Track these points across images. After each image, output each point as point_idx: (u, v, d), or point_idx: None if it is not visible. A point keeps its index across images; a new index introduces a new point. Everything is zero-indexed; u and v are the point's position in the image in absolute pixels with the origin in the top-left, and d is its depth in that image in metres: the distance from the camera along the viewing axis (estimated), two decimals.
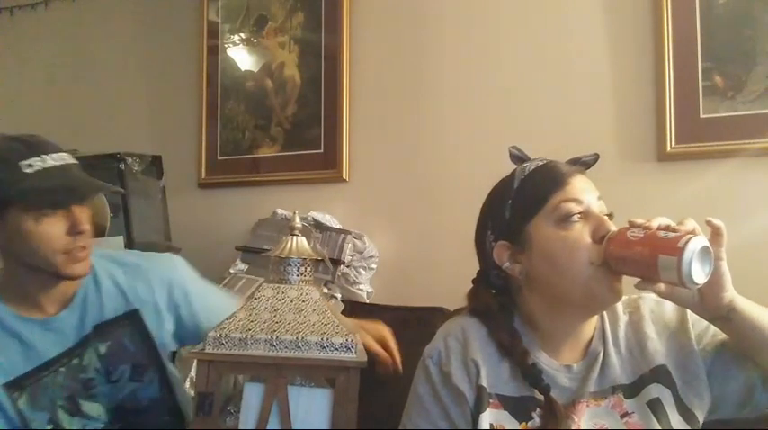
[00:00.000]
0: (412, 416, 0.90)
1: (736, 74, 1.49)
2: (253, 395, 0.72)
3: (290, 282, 0.78)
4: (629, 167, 1.59)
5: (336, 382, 0.73)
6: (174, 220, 2.03)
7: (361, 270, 1.76)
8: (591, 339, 0.87)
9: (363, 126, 1.90)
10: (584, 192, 0.83)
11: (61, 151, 1.01)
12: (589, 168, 0.90)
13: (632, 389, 0.83)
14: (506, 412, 0.82)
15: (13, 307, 0.97)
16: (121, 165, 1.90)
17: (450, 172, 1.78)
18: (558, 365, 0.86)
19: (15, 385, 0.94)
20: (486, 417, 0.81)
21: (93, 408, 0.99)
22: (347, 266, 1.73)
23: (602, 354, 0.85)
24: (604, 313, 0.89)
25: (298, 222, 0.83)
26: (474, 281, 0.96)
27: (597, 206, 0.84)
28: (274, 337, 0.71)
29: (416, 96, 1.84)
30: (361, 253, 1.75)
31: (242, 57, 2.11)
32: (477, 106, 1.76)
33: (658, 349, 0.85)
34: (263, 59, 2.06)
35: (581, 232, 0.80)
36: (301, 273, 0.79)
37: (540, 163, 0.89)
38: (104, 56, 2.33)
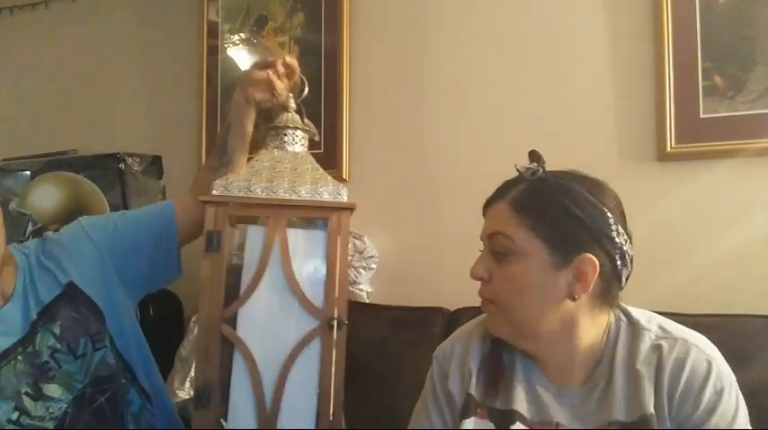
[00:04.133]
0: (417, 409, 0.94)
1: (736, 74, 1.49)
2: (256, 238, 0.79)
3: (286, 150, 0.85)
4: (629, 167, 1.59)
5: (329, 221, 0.79)
6: None
7: (361, 270, 1.76)
8: (596, 365, 0.82)
9: (363, 126, 1.91)
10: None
11: None
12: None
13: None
14: (492, 423, 0.83)
15: None
16: (121, 165, 1.90)
17: (450, 172, 1.78)
18: (550, 385, 0.84)
19: None
20: (469, 424, 0.82)
21: (53, 390, 1.00)
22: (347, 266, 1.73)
23: (603, 384, 0.81)
24: (619, 342, 0.82)
25: (292, 104, 0.91)
26: None
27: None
28: (273, 185, 0.79)
29: (416, 96, 1.84)
30: (361, 253, 1.75)
31: (242, 57, 2.11)
32: (477, 106, 1.77)
33: (655, 395, 0.78)
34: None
35: None
36: (295, 142, 0.86)
37: None
38: (104, 56, 2.33)
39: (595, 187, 0.81)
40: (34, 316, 1.01)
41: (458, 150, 1.78)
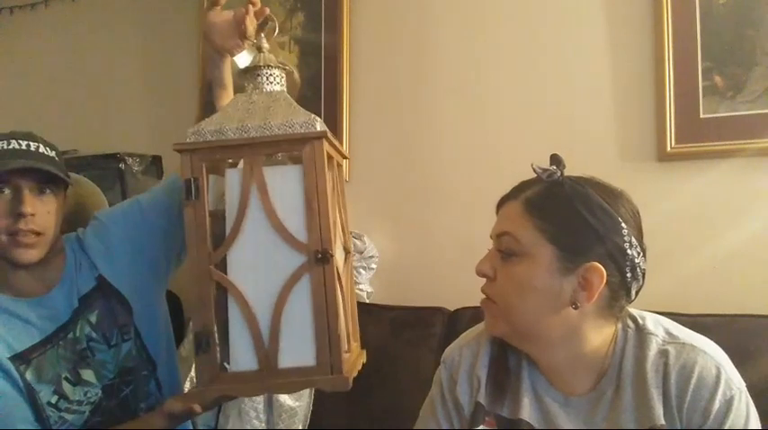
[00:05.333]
0: (424, 411, 0.94)
1: (736, 74, 1.49)
2: (234, 179, 0.79)
3: (262, 90, 0.84)
4: (629, 167, 1.59)
5: (303, 154, 0.77)
6: None
7: (362, 270, 1.76)
8: (602, 374, 0.81)
9: (363, 126, 1.91)
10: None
11: (49, 146, 1.03)
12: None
13: None
14: None
15: (5, 292, 1.02)
16: (121, 165, 1.91)
17: (450, 172, 1.78)
18: (556, 394, 0.83)
19: (21, 358, 0.99)
20: None
21: (90, 375, 1.04)
22: None
23: (610, 393, 0.79)
24: (627, 351, 0.80)
25: (265, 43, 0.90)
26: None
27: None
28: (244, 125, 0.78)
29: (416, 96, 1.84)
30: (361, 253, 1.75)
31: (242, 57, 2.10)
32: (477, 106, 1.76)
33: (664, 404, 0.77)
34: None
35: None
36: (270, 82, 0.85)
37: None
38: (104, 56, 2.33)
39: (613, 197, 0.79)
40: (76, 303, 1.05)
41: (458, 150, 1.78)
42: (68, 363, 1.02)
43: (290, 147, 0.79)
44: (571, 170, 0.85)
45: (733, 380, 0.76)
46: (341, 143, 1.90)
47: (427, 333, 1.57)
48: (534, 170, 0.81)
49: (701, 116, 1.52)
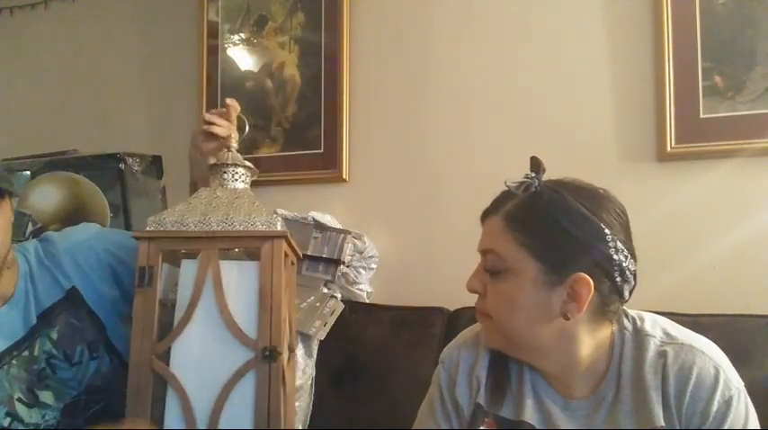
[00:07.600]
0: (422, 411, 0.94)
1: (736, 74, 1.49)
2: (189, 270, 0.79)
3: (226, 187, 0.87)
4: (629, 167, 1.59)
5: (262, 251, 0.78)
6: None
7: (361, 270, 1.76)
8: (601, 378, 0.81)
9: (363, 126, 1.90)
10: None
11: None
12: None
13: None
14: None
15: None
16: (121, 165, 1.90)
17: (450, 172, 1.78)
18: (557, 397, 0.83)
19: None
20: None
21: (48, 397, 0.99)
22: (347, 266, 1.73)
23: (611, 397, 0.79)
24: (625, 353, 0.80)
25: (233, 143, 0.93)
26: None
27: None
28: (207, 218, 0.79)
29: (416, 96, 1.84)
30: (361, 253, 1.75)
31: (242, 57, 2.10)
32: (477, 106, 1.76)
33: (664, 406, 0.76)
34: (263, 59, 2.05)
35: None
36: (235, 179, 0.87)
37: None
38: (104, 56, 2.33)
39: (594, 201, 0.78)
40: (34, 320, 1.00)
41: (458, 150, 1.78)
42: (22, 383, 0.97)
43: (250, 244, 0.80)
44: (571, 170, 0.85)
45: (732, 380, 0.76)
46: (341, 143, 1.90)
47: (427, 333, 1.57)
48: (507, 186, 0.80)
49: (701, 116, 1.52)
